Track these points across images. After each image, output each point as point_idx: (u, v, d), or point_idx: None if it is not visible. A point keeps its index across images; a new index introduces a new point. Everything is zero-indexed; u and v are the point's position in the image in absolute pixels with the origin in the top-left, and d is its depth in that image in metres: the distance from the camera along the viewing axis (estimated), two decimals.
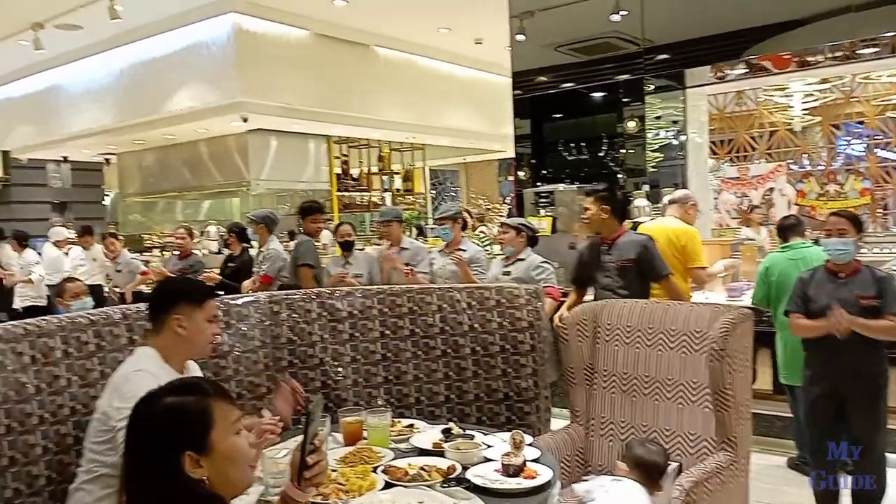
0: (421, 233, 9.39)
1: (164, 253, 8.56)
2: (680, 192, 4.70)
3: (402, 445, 2.34)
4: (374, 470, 2.06)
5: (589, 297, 4.04)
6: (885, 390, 3.03)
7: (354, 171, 10.00)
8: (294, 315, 3.11)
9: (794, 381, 3.74)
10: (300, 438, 1.48)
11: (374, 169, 10.20)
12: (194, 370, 2.34)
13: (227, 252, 6.71)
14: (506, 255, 4.42)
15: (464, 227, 5.05)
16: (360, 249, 5.77)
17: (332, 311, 3.13)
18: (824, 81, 7.87)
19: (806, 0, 5.17)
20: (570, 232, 5.78)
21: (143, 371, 2.09)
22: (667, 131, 6.50)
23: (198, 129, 8.61)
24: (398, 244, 5.18)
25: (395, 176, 10.59)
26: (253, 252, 6.14)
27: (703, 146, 6.87)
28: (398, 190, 10.63)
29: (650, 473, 2.35)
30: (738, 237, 6.31)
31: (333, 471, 2.03)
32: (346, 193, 9.77)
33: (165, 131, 8.73)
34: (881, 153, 9.45)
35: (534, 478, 1.97)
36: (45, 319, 2.44)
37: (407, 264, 5.05)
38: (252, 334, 3.02)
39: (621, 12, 5.91)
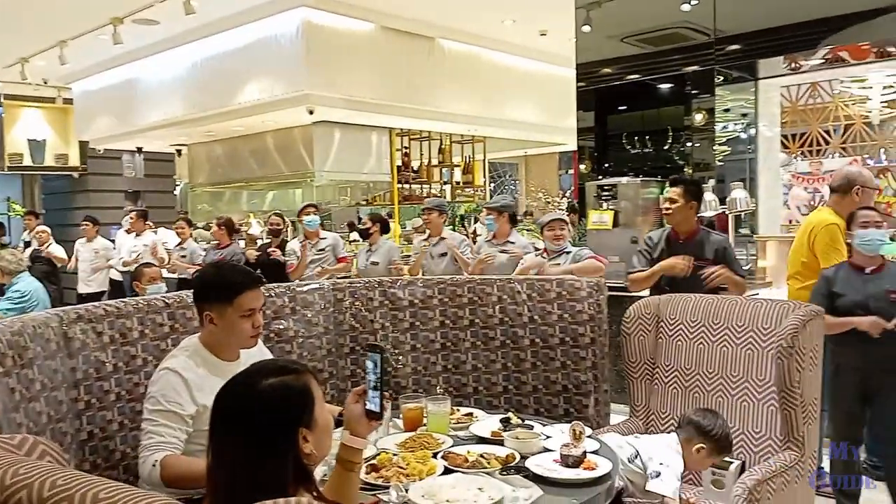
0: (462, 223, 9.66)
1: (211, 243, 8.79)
2: (838, 177, 3.64)
3: (461, 433, 2.37)
4: (434, 456, 2.09)
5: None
6: None
7: (415, 164, 10.07)
8: (357, 303, 3.19)
9: None
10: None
11: (435, 161, 10.25)
12: (261, 352, 2.38)
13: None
14: (547, 248, 4.45)
15: (514, 221, 5.08)
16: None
17: (393, 300, 3.19)
18: None
19: None
20: (632, 226, 5.70)
21: (168, 370, 2.11)
22: (735, 124, 6.33)
23: (265, 121, 8.80)
24: (438, 234, 5.30)
25: (454, 168, 10.61)
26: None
27: (775, 140, 6.66)
28: (458, 182, 10.65)
29: (705, 436, 2.35)
30: None
31: (394, 455, 2.08)
32: (406, 185, 9.85)
33: (234, 123, 8.96)
34: None
35: (593, 469, 1.97)
36: (123, 301, 2.56)
37: (443, 254, 5.20)
38: (316, 320, 3.10)
39: (692, 2, 5.78)
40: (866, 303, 2.95)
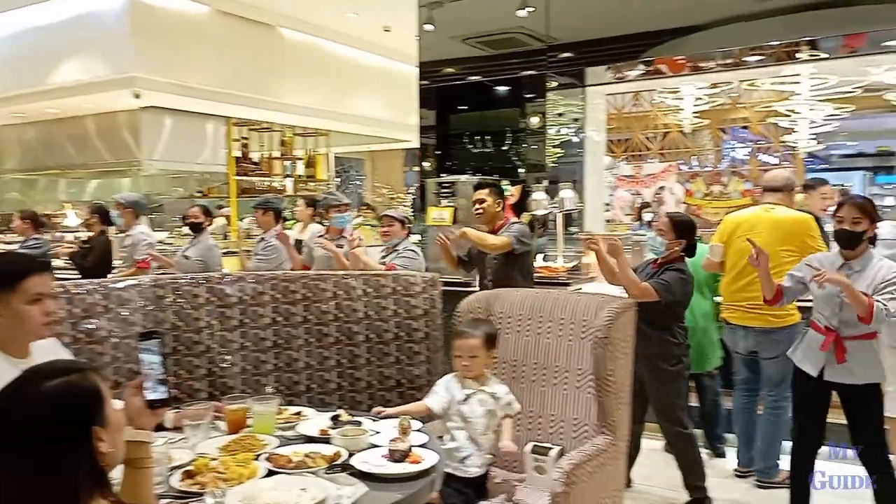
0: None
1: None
2: (780, 178, 3.87)
3: (289, 433, 2.30)
4: (257, 458, 2.01)
5: None
6: (677, 377, 3.38)
7: (255, 156, 9.70)
8: (180, 300, 2.99)
9: (699, 369, 4.02)
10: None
11: (276, 154, 9.94)
12: (54, 351, 2.15)
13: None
14: (387, 246, 4.49)
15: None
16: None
17: (221, 297, 3.03)
18: (714, 86, 8.30)
19: (701, 7, 5.38)
20: (471, 223, 5.84)
21: None
22: (568, 128, 6.66)
23: (85, 103, 8.11)
24: (266, 231, 5.22)
25: (297, 161, 10.34)
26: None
27: (601, 144, 7.09)
28: (300, 176, 10.39)
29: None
30: (630, 232, 6.56)
31: (213, 459, 1.97)
32: (245, 178, 9.46)
33: (48, 104, 8.19)
34: (762, 157, 10.09)
35: (419, 462, 1.98)
36: None
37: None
38: (133, 319, 2.88)
39: (527, 8, 6.00)
40: None
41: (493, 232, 4.03)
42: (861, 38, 5.15)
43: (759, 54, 5.59)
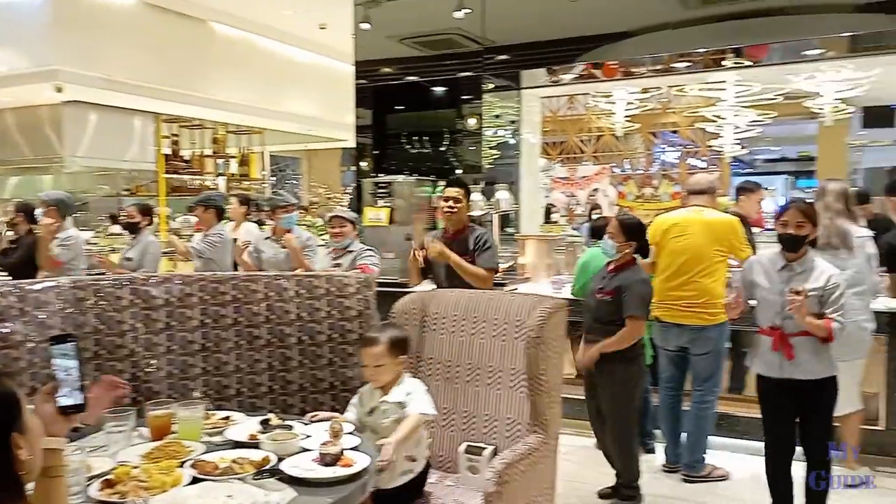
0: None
1: None
2: (704, 181, 4.08)
3: (216, 438, 2.23)
4: (182, 465, 1.94)
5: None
6: (633, 376, 3.45)
7: (186, 153, 9.44)
8: (102, 302, 2.87)
9: None
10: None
11: (208, 151, 9.69)
12: None
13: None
14: (337, 247, 4.39)
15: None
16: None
17: (146, 299, 2.92)
18: (645, 91, 8.51)
19: (632, 14, 5.51)
20: (407, 223, 5.82)
21: None
22: (504, 130, 6.71)
23: (4, 97, 7.72)
24: (207, 228, 5.08)
25: (230, 160, 10.12)
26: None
27: (536, 146, 7.18)
28: (233, 174, 10.16)
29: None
30: (564, 233, 6.66)
31: (135, 467, 1.89)
32: (175, 176, 9.19)
33: None
34: (691, 161, 10.43)
35: (350, 466, 1.95)
36: None
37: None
38: (51, 323, 2.75)
39: (464, 10, 6.02)
40: (594, 293, 3.46)
41: (457, 233, 3.88)
42: (763, 49, 5.40)
43: (688, 61, 5.77)
